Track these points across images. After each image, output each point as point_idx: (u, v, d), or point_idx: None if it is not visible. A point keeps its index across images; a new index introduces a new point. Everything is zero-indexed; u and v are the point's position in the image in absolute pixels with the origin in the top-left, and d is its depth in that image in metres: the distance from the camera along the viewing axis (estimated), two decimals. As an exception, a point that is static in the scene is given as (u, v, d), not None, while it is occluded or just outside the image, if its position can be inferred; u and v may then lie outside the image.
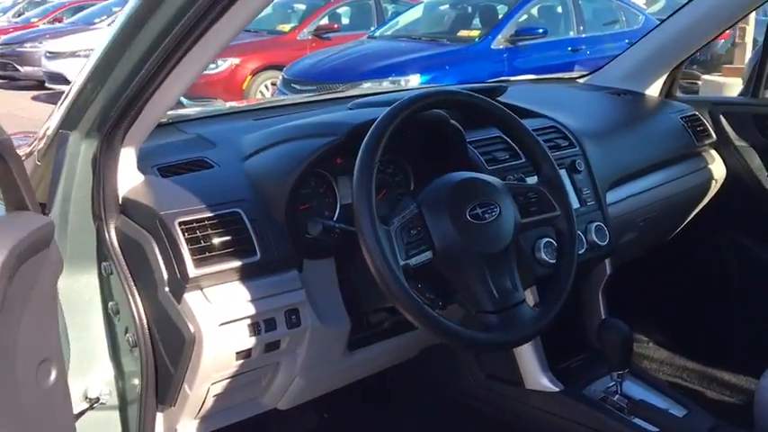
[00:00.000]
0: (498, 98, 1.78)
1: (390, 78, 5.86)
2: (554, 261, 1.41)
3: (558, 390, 1.55)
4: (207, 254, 1.17)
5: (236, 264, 1.18)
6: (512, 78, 2.37)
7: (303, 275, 1.28)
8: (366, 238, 1.09)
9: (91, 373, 1.30)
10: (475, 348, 1.14)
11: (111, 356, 1.31)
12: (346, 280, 1.37)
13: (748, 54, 6.43)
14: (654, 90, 2.23)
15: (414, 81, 5.76)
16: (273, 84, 7.08)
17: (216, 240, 1.18)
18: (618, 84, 2.24)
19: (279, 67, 6.88)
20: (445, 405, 1.79)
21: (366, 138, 1.16)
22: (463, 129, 1.42)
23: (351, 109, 1.60)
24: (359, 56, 6.39)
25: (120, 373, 1.32)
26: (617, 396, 1.52)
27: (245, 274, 1.21)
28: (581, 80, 2.39)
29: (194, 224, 1.18)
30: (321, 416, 1.86)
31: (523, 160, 1.59)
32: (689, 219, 2.16)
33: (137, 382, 1.27)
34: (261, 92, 7.29)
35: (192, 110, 1.79)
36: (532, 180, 1.41)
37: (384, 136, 1.15)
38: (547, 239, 1.43)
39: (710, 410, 1.55)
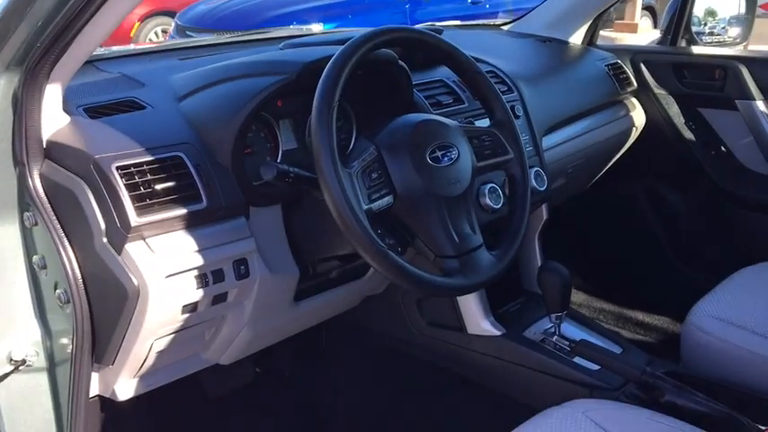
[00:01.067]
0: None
1: (292, 27, 5.69)
2: (498, 207, 1.40)
3: (499, 334, 1.56)
4: (148, 201, 1.07)
5: (181, 211, 1.10)
6: (437, 24, 2.33)
7: (250, 223, 1.21)
8: (329, 182, 1.03)
9: (15, 333, 1.19)
10: (437, 293, 1.12)
11: (37, 315, 1.20)
12: (294, 228, 1.31)
13: (638, 11, 6.69)
14: (577, 38, 2.25)
15: (316, 30, 5.61)
16: (165, 31, 6.71)
17: (158, 186, 1.08)
18: (542, 32, 2.26)
19: (170, 14, 6.51)
20: (384, 355, 1.77)
21: (324, 75, 1.09)
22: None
23: (282, 50, 1.52)
24: (257, 3, 6.14)
25: (48, 333, 1.21)
26: (555, 337, 1.56)
27: (191, 223, 1.12)
28: (505, 27, 2.38)
29: (133, 169, 1.08)
30: (254, 371, 1.81)
31: (466, 104, 1.57)
32: (609, 165, 2.22)
33: (67, 341, 1.16)
34: (150, 39, 6.89)
35: (112, 48, 1.64)
36: (480, 124, 1.39)
37: (343, 73, 1.09)
38: (491, 185, 1.42)
39: (642, 349, 1.62)
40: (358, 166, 1.10)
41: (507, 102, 1.63)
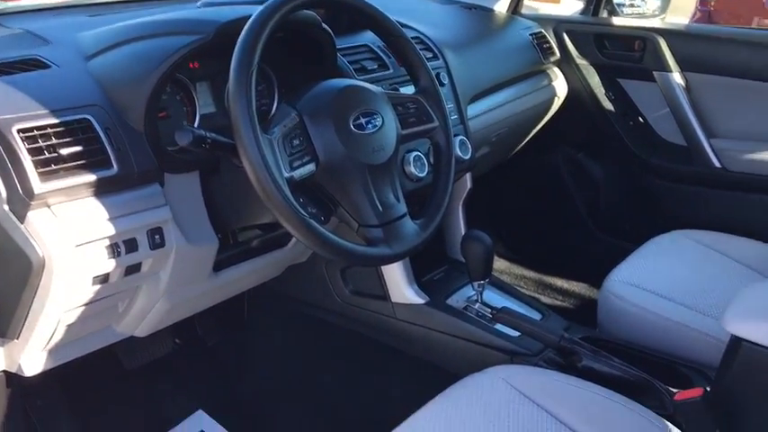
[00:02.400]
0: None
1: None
2: (423, 175, 1.39)
3: (423, 302, 1.57)
4: (53, 166, 1.00)
5: (90, 177, 1.03)
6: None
7: (165, 191, 1.16)
8: (248, 149, 0.99)
9: None
10: (360, 263, 1.10)
11: None
12: (212, 196, 1.26)
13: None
14: (501, 6, 2.25)
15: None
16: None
17: (64, 151, 1.02)
18: None
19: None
20: (309, 324, 1.75)
21: (242, 37, 1.04)
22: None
23: (200, 8, 1.45)
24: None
25: None
26: (477, 305, 1.57)
27: (101, 190, 1.06)
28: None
29: (36, 132, 1.00)
30: (173, 342, 1.76)
31: (391, 71, 1.54)
32: (532, 135, 2.25)
33: None
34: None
35: (17, 2, 1.53)
36: (405, 91, 1.37)
37: (263, 34, 1.04)
38: (416, 153, 1.41)
39: (561, 315, 1.66)
40: (279, 132, 1.06)
41: (433, 69, 1.61)
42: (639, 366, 1.36)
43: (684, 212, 2.09)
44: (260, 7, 1.07)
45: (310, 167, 1.08)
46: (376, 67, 1.51)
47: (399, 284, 1.57)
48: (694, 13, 5.69)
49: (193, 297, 1.33)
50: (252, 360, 1.86)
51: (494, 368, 1.30)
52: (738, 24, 5.48)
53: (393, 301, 1.58)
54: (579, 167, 2.32)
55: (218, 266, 1.33)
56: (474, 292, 1.57)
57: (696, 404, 1.19)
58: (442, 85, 1.62)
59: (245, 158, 0.99)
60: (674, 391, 1.28)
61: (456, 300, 1.60)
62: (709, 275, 1.65)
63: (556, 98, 2.19)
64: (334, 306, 1.68)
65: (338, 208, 1.14)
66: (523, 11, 2.32)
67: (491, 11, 2.23)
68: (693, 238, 1.82)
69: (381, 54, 1.55)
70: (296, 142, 1.08)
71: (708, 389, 1.21)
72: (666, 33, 2.06)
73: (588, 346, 1.39)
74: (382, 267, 1.56)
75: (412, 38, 1.63)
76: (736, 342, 1.20)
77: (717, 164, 2.03)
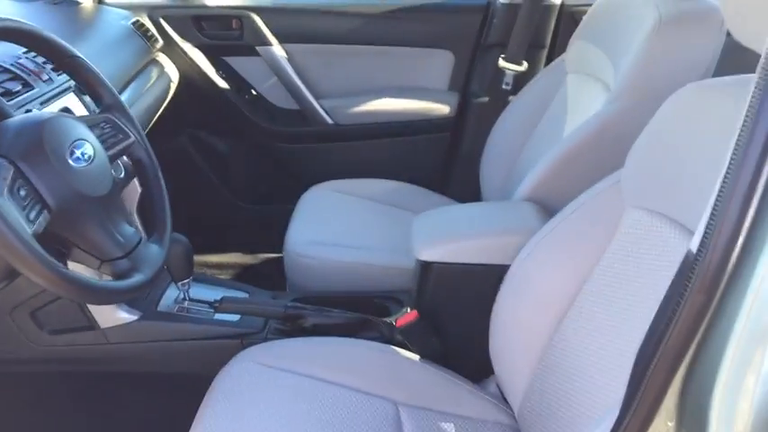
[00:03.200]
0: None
1: None
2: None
3: (136, 318, 1.52)
4: None
5: None
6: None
7: None
8: None
9: None
10: (127, 296, 1.03)
11: None
12: None
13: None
14: (83, -3, 2.14)
15: None
16: None
17: None
18: None
19: None
20: (5, 382, 1.54)
21: None
22: None
23: None
24: None
25: None
26: (187, 302, 1.59)
27: None
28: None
29: None
30: None
31: (37, 89, 1.41)
32: (150, 125, 2.23)
33: None
34: None
35: None
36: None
37: None
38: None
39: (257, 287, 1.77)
40: (3, 187, 0.94)
41: (66, 80, 1.52)
42: (353, 309, 1.57)
43: (312, 169, 2.35)
44: None
45: (45, 216, 0.99)
46: (20, 87, 1.36)
47: (106, 309, 1.49)
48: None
49: None
50: None
51: (240, 355, 1.37)
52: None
53: (102, 327, 1.50)
54: (207, 146, 2.40)
55: None
56: (180, 292, 1.57)
57: (416, 324, 1.45)
58: (84, 94, 1.53)
59: None
60: (390, 320, 1.53)
61: (166, 305, 1.59)
62: (361, 217, 1.95)
63: (171, 83, 2.20)
64: (31, 354, 1.51)
65: (72, 251, 1.06)
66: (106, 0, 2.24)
67: (77, 3, 2.11)
68: (331, 188, 2.10)
69: (19, 72, 1.40)
70: (22, 193, 0.97)
71: (416, 310, 1.49)
72: (258, 10, 2.24)
73: (311, 306, 1.55)
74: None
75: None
76: (426, 266, 1.49)
77: (329, 121, 2.33)
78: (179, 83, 2.25)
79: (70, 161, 1.04)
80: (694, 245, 0.62)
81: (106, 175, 1.11)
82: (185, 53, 2.25)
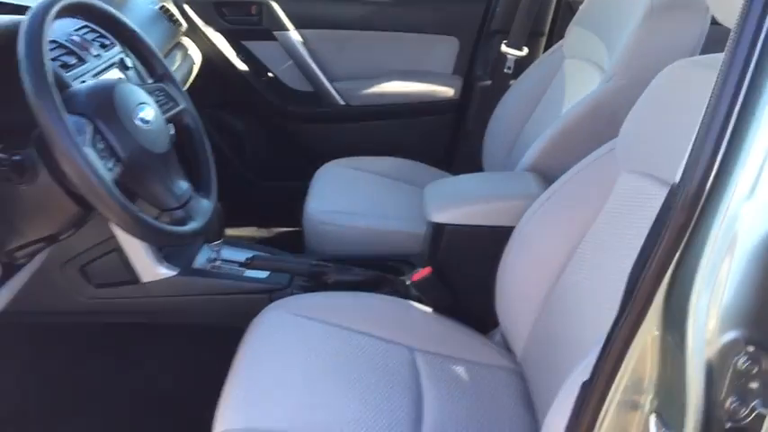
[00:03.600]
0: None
1: None
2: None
3: (175, 273, 1.67)
4: None
5: None
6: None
7: None
8: (75, 158, 1.01)
9: None
10: (187, 240, 1.18)
11: None
12: None
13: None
14: (115, -18, 2.28)
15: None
16: None
17: None
18: None
19: None
20: (52, 332, 1.69)
21: (24, 48, 1.02)
22: None
23: None
24: None
25: None
26: (219, 261, 1.74)
27: None
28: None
29: None
30: None
31: (89, 63, 1.55)
32: None
33: None
34: None
35: None
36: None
37: (43, 40, 1.04)
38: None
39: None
40: (85, 139, 1.09)
41: (116, 54, 1.67)
42: (370, 268, 1.72)
43: (325, 147, 2.50)
44: (27, 17, 1.06)
45: (119, 167, 1.14)
46: (75, 61, 1.50)
47: (148, 264, 1.63)
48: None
49: None
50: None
51: (271, 306, 1.51)
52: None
53: (144, 281, 1.65)
54: (225, 125, 2.54)
55: None
56: (213, 252, 1.72)
57: (429, 279, 1.61)
58: (127, 69, 1.68)
59: (73, 167, 1.01)
60: (403, 279, 1.68)
61: (200, 262, 1.74)
62: (372, 190, 2.10)
63: (194, 66, 2.34)
64: (78, 307, 1.65)
65: (136, 201, 1.21)
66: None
67: (108, -12, 2.24)
68: (343, 164, 2.24)
69: (73, 47, 1.54)
70: (100, 146, 1.11)
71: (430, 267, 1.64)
72: None
73: (333, 264, 1.70)
74: (127, 252, 1.61)
75: (81, 27, 1.65)
76: (438, 227, 1.64)
77: (341, 102, 2.48)
78: (201, 65, 2.39)
79: (136, 121, 1.19)
80: (677, 177, 0.77)
81: (165, 136, 1.26)
82: (207, 37, 2.40)
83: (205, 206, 1.30)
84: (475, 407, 1.35)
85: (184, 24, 2.33)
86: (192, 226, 1.23)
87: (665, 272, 0.78)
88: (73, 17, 1.26)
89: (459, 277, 1.66)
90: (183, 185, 1.27)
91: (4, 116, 1.20)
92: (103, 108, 1.16)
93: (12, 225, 1.20)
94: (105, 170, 1.08)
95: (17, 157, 1.05)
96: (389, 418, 1.23)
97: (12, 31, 1.17)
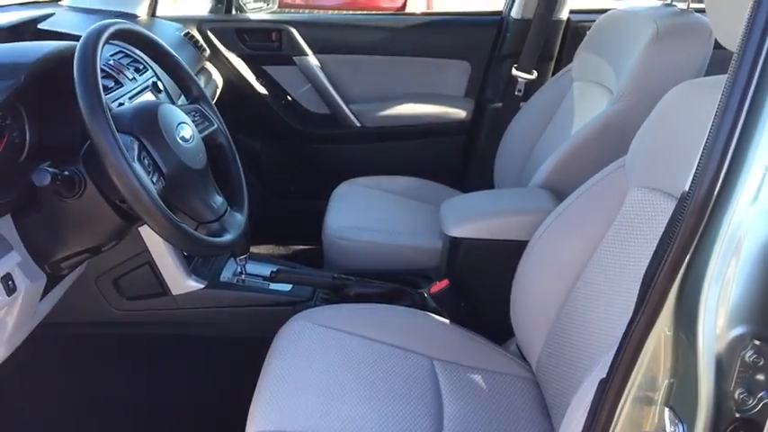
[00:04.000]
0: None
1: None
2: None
3: (202, 286, 1.74)
4: None
5: None
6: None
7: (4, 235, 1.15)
8: (126, 172, 1.09)
9: None
10: (223, 251, 1.25)
11: None
12: (28, 232, 1.26)
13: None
14: (142, 11, 2.37)
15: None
16: None
17: None
18: (98, 5, 2.31)
19: None
20: (84, 343, 1.75)
21: (79, 71, 1.11)
22: None
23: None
24: None
25: None
26: (244, 275, 1.81)
27: None
28: (64, 3, 2.35)
29: None
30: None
31: (125, 86, 1.64)
32: None
33: None
34: None
35: None
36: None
37: (97, 64, 1.13)
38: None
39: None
40: (133, 155, 1.17)
41: (149, 78, 1.76)
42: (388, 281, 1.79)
43: (341, 167, 2.58)
44: (80, 42, 1.15)
45: (162, 182, 1.21)
46: (113, 84, 1.59)
47: (178, 277, 1.71)
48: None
49: (20, 334, 1.31)
50: (36, 396, 1.77)
51: (296, 317, 1.58)
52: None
53: (174, 293, 1.72)
54: (245, 146, 2.63)
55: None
56: (239, 267, 1.79)
57: (447, 290, 1.67)
58: (159, 92, 1.77)
59: (121, 180, 1.09)
60: (420, 291, 1.75)
61: (226, 276, 1.81)
62: (388, 207, 2.17)
63: (217, 90, 2.44)
64: (110, 318, 1.72)
65: (176, 214, 1.28)
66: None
67: (135, 16, 2.34)
68: (360, 184, 2.32)
69: (110, 71, 1.63)
70: (146, 162, 1.19)
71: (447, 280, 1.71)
72: (295, 24, 2.49)
73: (353, 277, 1.77)
74: (158, 265, 1.68)
75: (116, 52, 1.74)
76: (455, 241, 1.71)
77: (357, 123, 2.57)
78: (223, 88, 2.48)
79: (177, 139, 1.27)
80: (687, 186, 0.84)
81: (202, 153, 1.34)
82: (229, 62, 2.49)
83: (239, 220, 1.38)
84: (493, 414, 1.40)
85: (208, 50, 2.43)
86: (227, 238, 1.30)
87: (678, 272, 0.84)
88: (121, 43, 1.34)
89: (475, 289, 1.72)
90: (219, 200, 1.34)
91: (55, 135, 1.28)
92: (148, 127, 1.24)
93: (58, 237, 1.28)
94: (151, 184, 1.16)
95: (67, 173, 1.13)
96: (410, 423, 1.29)
97: (59, 57, 1.26)
